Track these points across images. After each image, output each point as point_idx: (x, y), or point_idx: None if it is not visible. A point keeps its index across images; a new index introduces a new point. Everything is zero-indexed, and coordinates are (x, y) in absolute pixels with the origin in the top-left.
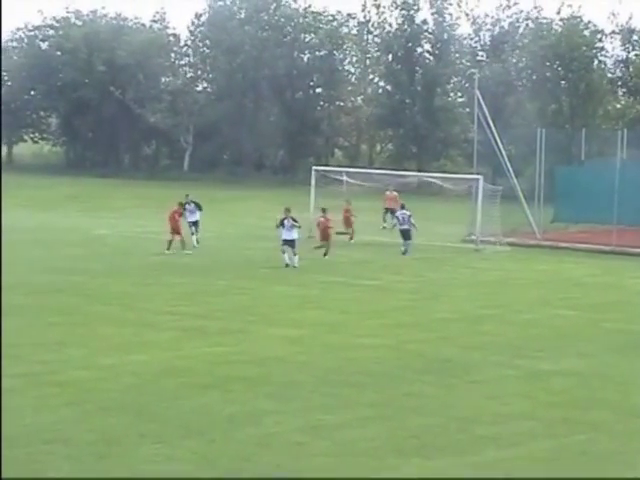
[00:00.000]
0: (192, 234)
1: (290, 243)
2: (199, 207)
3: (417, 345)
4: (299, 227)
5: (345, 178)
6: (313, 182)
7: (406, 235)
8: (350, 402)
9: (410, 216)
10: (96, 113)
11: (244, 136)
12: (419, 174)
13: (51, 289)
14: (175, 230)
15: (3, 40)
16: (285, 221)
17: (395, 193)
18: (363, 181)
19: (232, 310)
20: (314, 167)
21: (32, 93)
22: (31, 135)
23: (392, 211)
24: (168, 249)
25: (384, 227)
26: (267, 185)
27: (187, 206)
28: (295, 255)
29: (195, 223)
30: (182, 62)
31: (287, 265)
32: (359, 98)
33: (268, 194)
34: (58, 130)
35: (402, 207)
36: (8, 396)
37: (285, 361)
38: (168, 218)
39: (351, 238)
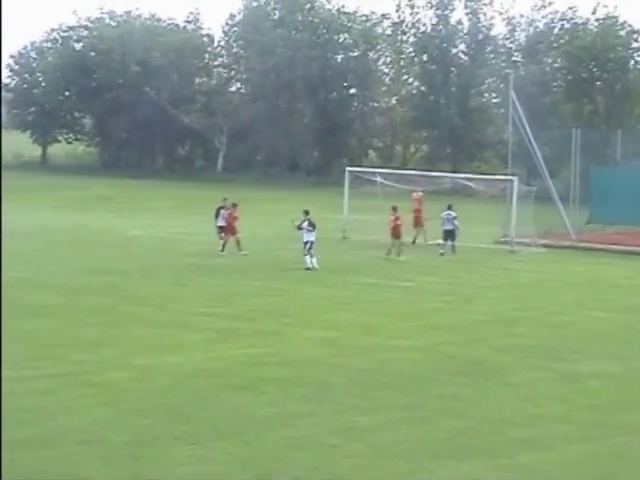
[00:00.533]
0: (221, 239)
1: (307, 245)
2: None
3: (451, 347)
4: (312, 230)
5: (379, 179)
6: (347, 183)
7: (449, 236)
8: (384, 404)
9: (455, 217)
10: (130, 114)
11: (278, 137)
12: (453, 175)
13: (86, 290)
14: (230, 231)
15: (38, 41)
16: (304, 224)
17: (420, 194)
18: (397, 182)
19: (266, 311)
20: (348, 168)
21: (66, 94)
22: (65, 136)
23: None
24: (222, 250)
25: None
26: (301, 186)
27: (222, 211)
28: (312, 257)
29: (223, 228)
30: (216, 63)
31: (309, 268)
32: (393, 99)
33: (302, 195)
34: (92, 131)
35: (449, 207)
36: (42, 396)
37: (319, 363)
38: (225, 220)
39: (423, 239)
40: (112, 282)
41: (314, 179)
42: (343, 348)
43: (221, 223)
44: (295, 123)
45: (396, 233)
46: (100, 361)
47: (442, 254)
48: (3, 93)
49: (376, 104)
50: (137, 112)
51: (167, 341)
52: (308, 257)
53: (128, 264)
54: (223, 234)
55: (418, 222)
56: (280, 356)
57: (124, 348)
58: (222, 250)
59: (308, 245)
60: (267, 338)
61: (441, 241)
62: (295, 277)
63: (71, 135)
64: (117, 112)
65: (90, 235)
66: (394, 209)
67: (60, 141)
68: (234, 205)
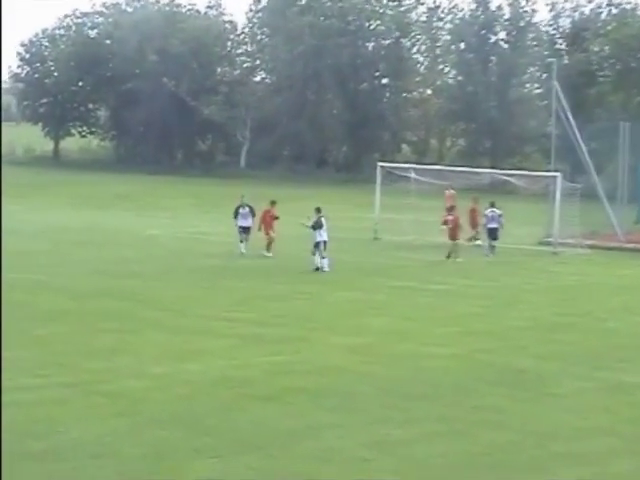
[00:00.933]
0: (241, 241)
1: (319, 245)
2: (253, 212)
3: (489, 355)
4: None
5: (413, 175)
6: (379, 180)
7: (493, 234)
8: (417, 416)
9: (500, 215)
10: (147, 106)
11: (305, 130)
12: (492, 171)
13: (100, 293)
14: (266, 230)
15: (50, 28)
16: (319, 220)
17: (453, 191)
18: (432, 179)
19: (292, 316)
20: (379, 163)
21: (80, 84)
22: (79, 129)
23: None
24: (268, 251)
25: (442, 228)
26: (329, 183)
27: (241, 209)
28: (324, 258)
29: (246, 230)
30: (239, 51)
31: (317, 269)
32: (428, 89)
33: (330, 193)
34: (107, 123)
35: (492, 205)
36: (54, 406)
37: (348, 371)
38: (261, 218)
39: (476, 239)
40: (128, 285)
41: (343, 175)
42: (374, 355)
43: (242, 223)
44: (323, 115)
45: (454, 234)
46: (115, 369)
47: (487, 256)
48: (14, 84)
49: (410, 95)
50: (155, 104)
51: (187, 348)
52: (317, 257)
53: (145, 266)
54: (245, 235)
55: (475, 222)
56: (307, 364)
57: (140, 355)
58: (268, 251)
59: (321, 245)
60: (293, 345)
61: (480, 242)
62: (322, 280)
63: (85, 128)
64: (133, 104)
65: (105, 235)
66: (451, 208)
67: (73, 134)
68: (272, 203)
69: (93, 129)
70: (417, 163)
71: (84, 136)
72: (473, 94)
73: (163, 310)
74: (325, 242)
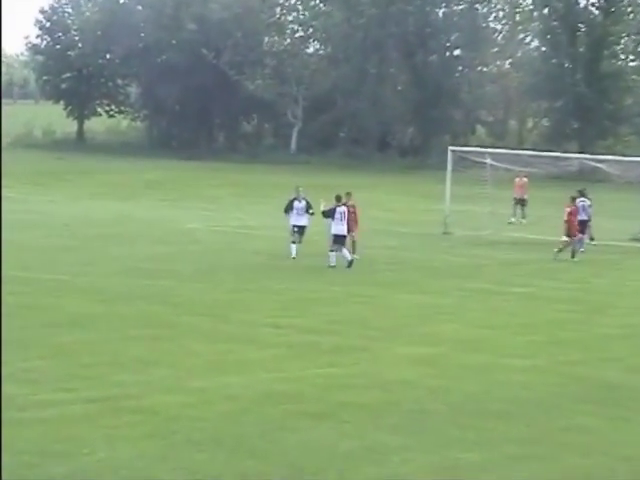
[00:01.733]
0: (293, 242)
1: (340, 240)
2: (309, 208)
3: (576, 367)
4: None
5: (489, 161)
6: (449, 166)
7: (583, 227)
8: (494, 437)
9: (590, 205)
10: (184, 81)
11: (365, 109)
12: (581, 156)
13: (131, 295)
14: (570, 232)
15: None
16: (337, 210)
17: (525, 179)
18: (511, 165)
19: (349, 323)
20: (451, 147)
21: (108, 57)
22: (106, 107)
23: (522, 202)
24: (353, 252)
25: (511, 222)
26: (393, 170)
27: (296, 203)
28: (341, 251)
29: (301, 229)
30: (289, 18)
31: (332, 266)
32: (507, 62)
33: (394, 181)
34: (139, 102)
35: (581, 194)
36: (79, 424)
37: (414, 386)
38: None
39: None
40: (162, 286)
41: (409, 161)
42: (444, 368)
43: (296, 221)
44: (386, 92)
45: (571, 229)
46: (148, 382)
47: (582, 252)
48: (33, 56)
49: (486, 69)
50: (192, 79)
51: (229, 359)
52: (333, 254)
53: (182, 264)
54: (299, 236)
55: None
56: (366, 377)
57: (176, 367)
58: (353, 255)
59: (339, 239)
60: (350, 355)
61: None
62: (384, 281)
63: (113, 107)
64: (169, 79)
65: (136, 229)
66: (574, 200)
67: (100, 114)
68: (348, 194)
69: (122, 108)
70: (494, 147)
71: (112, 116)
72: (559, 67)
73: (202, 315)
74: (344, 236)
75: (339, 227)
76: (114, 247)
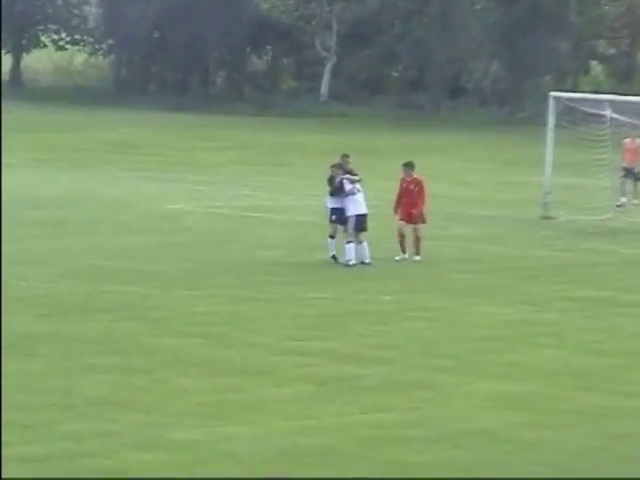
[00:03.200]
0: (332, 237)
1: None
2: (354, 181)
3: None
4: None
5: (608, 112)
6: (551, 121)
7: None
8: None
9: None
10: None
11: (427, 38)
12: None
13: (89, 308)
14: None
15: None
16: (344, 182)
17: (639, 140)
18: None
19: (404, 347)
20: (552, 93)
21: None
22: (53, 36)
23: (632, 171)
24: (417, 253)
25: (619, 205)
26: (468, 125)
27: (345, 181)
28: (360, 243)
29: (360, 220)
30: None
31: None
32: None
33: (471, 142)
34: (100, 27)
35: None
36: None
37: (500, 439)
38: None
39: None
40: (134, 294)
41: (492, 113)
42: (543, 413)
43: (332, 204)
44: (457, 14)
45: None
46: (113, 434)
47: None
48: None
49: None
50: None
51: (230, 399)
52: (352, 245)
53: (163, 263)
54: (336, 217)
55: None
56: (429, 427)
57: (155, 411)
58: (417, 253)
59: (355, 223)
60: (407, 394)
61: None
62: (456, 287)
63: (63, 35)
64: None
65: (96, 211)
66: None
67: (44, 45)
68: (407, 166)
69: (77, 36)
70: (616, 93)
71: (62, 48)
72: None
73: (191, 336)
74: (364, 216)
75: (357, 204)
76: (64, 238)
